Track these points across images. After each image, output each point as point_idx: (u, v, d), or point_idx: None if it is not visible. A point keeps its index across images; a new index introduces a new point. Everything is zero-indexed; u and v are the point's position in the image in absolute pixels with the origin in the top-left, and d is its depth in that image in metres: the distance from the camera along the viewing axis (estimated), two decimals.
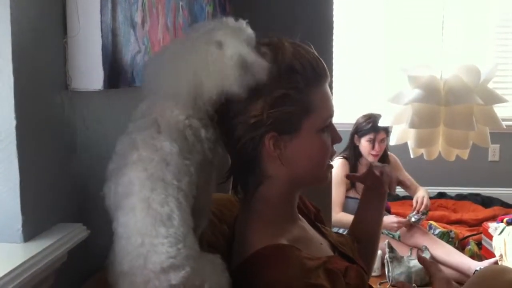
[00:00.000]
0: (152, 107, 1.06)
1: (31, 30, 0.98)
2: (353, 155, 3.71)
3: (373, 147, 3.63)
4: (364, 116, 3.71)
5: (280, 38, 1.16)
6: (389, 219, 3.58)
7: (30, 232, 0.98)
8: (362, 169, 3.68)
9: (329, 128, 1.18)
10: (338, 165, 3.67)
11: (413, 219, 3.61)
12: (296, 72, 1.10)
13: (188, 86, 1.05)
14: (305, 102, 1.12)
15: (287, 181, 1.17)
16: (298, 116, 1.12)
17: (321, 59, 1.16)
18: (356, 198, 3.70)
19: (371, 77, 4.74)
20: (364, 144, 3.66)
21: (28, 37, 0.97)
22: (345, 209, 3.64)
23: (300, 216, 1.31)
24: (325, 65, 1.16)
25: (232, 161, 1.18)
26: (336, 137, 1.21)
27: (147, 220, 0.96)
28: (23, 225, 0.96)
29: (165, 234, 0.95)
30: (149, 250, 0.95)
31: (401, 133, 2.93)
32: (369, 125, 3.54)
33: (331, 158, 1.23)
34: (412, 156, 3.03)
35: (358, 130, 3.69)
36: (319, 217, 1.43)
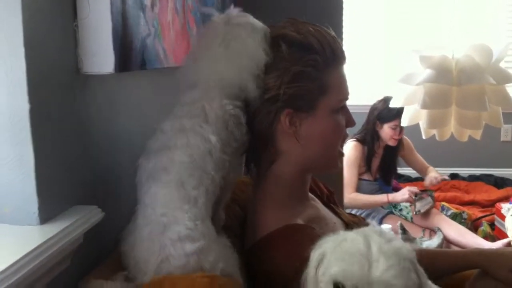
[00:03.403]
0: (201, 95, 1.12)
1: (42, 14, 0.98)
2: (370, 139, 3.68)
3: (398, 133, 3.60)
4: (382, 100, 3.65)
5: (299, 19, 1.17)
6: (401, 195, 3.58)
7: (46, 214, 0.99)
8: (378, 152, 3.67)
9: (344, 110, 1.19)
10: (350, 147, 3.66)
11: (421, 210, 3.57)
12: (315, 51, 1.12)
13: (234, 76, 1.11)
14: (322, 81, 1.13)
15: (300, 160, 1.18)
16: (314, 94, 1.13)
17: (339, 41, 1.17)
18: (370, 181, 3.71)
19: (381, 58, 4.70)
20: (386, 130, 3.62)
21: (39, 21, 0.97)
22: (358, 190, 3.64)
23: (313, 196, 1.32)
24: (343, 48, 1.17)
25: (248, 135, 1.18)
26: (350, 120, 1.22)
27: (175, 195, 1.04)
28: (39, 208, 0.97)
29: (187, 209, 1.03)
30: (170, 220, 1.02)
31: (412, 114, 2.91)
32: (394, 111, 3.46)
33: (344, 142, 1.24)
34: (424, 137, 3.02)
35: (381, 117, 3.63)
36: (332, 199, 1.44)
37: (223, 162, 1.09)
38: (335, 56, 1.15)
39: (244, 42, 1.13)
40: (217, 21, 1.18)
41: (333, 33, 1.17)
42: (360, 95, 4.23)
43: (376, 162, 3.73)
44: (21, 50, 0.93)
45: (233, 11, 1.20)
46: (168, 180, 1.05)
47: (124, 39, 1.17)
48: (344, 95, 1.19)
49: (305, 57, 1.12)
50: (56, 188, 1.02)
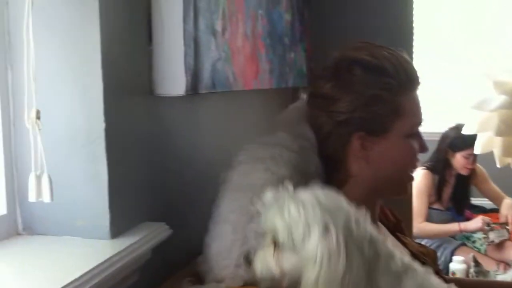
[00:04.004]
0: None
1: (119, 38, 1.04)
2: (442, 168, 3.59)
3: (471, 162, 3.50)
4: (454, 128, 3.56)
5: (372, 42, 1.18)
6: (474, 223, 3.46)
7: (117, 229, 1.03)
8: (450, 181, 3.58)
9: (417, 135, 1.18)
10: (421, 175, 3.57)
11: (495, 240, 3.43)
12: (390, 74, 1.12)
13: None
14: (397, 105, 1.13)
15: (370, 183, 1.17)
16: (388, 118, 1.13)
17: (413, 65, 1.16)
18: (441, 210, 3.61)
19: (452, 83, 4.59)
20: (459, 159, 3.53)
21: (116, 44, 1.03)
22: (428, 220, 3.54)
23: (379, 223, 1.30)
24: (418, 72, 1.17)
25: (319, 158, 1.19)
26: (423, 146, 1.20)
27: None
28: (111, 223, 1.02)
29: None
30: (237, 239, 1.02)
31: (486, 142, 2.82)
32: (467, 140, 3.36)
33: (415, 167, 1.23)
34: (498, 166, 2.91)
35: (454, 145, 3.55)
36: (399, 227, 1.41)
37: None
38: (410, 80, 1.15)
39: None
40: None
41: (407, 57, 1.17)
42: (430, 121, 4.13)
43: (447, 191, 3.63)
44: (99, 71, 0.99)
45: None
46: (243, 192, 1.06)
47: (195, 63, 1.22)
48: (418, 119, 1.18)
49: (380, 81, 1.12)
50: (127, 205, 1.07)
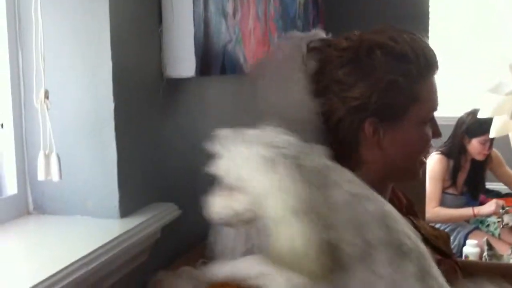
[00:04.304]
0: None
1: (128, 19, 1.04)
2: (457, 153, 3.56)
3: (487, 148, 3.48)
4: (470, 113, 3.52)
5: (392, 25, 1.16)
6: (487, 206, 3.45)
7: (126, 209, 1.04)
8: (465, 166, 3.56)
9: (431, 121, 1.17)
10: (435, 160, 3.55)
11: (510, 223, 3.41)
12: (410, 60, 1.10)
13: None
14: (414, 91, 1.11)
15: (382, 168, 1.16)
16: (403, 104, 1.11)
17: (433, 50, 1.14)
18: (455, 195, 3.59)
19: (467, 67, 4.54)
20: (475, 145, 3.50)
21: (125, 25, 1.03)
22: (442, 205, 3.53)
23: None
24: (437, 58, 1.15)
25: (329, 144, 1.18)
26: (436, 132, 1.19)
27: None
28: (120, 202, 1.03)
29: None
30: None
31: (501, 125, 2.80)
32: (484, 126, 3.32)
33: (428, 152, 1.21)
34: None
35: (470, 131, 3.52)
36: (412, 210, 1.41)
37: None
38: (429, 66, 1.13)
39: None
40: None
41: (426, 41, 1.15)
42: (446, 105, 4.09)
43: (462, 176, 3.60)
44: (108, 52, 0.99)
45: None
46: None
47: (206, 45, 1.22)
48: (434, 105, 1.16)
49: (400, 67, 1.11)
50: (136, 185, 1.08)
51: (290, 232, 0.85)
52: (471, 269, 1.33)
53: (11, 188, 1.05)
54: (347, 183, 0.92)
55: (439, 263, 1.11)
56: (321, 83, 1.15)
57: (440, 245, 1.27)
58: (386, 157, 1.14)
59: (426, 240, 1.26)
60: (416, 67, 1.11)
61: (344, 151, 1.15)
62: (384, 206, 0.95)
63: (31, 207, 1.07)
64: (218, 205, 0.91)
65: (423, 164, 1.21)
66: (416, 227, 1.31)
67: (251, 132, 0.90)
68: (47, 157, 0.94)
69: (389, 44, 1.11)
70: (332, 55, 1.13)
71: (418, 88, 1.11)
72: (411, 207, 1.40)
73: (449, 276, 1.10)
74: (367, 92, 1.09)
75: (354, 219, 0.89)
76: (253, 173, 0.86)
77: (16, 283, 0.80)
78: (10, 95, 1.03)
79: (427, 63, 1.12)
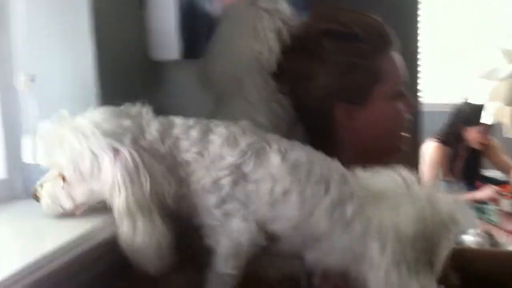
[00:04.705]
0: None
1: (111, 2, 1.04)
2: (454, 142, 3.57)
3: (486, 137, 3.48)
4: (468, 102, 3.53)
5: (341, 7, 1.15)
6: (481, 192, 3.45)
7: None
8: (462, 154, 3.56)
9: (401, 96, 1.16)
10: (433, 147, 3.56)
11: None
12: (361, 39, 1.10)
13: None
14: (373, 69, 1.10)
15: (359, 151, 1.16)
16: (366, 84, 1.11)
17: (387, 26, 1.14)
18: (452, 182, 3.60)
19: (460, 53, 4.53)
20: (473, 134, 3.50)
21: (108, 9, 1.03)
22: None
23: None
24: (391, 32, 1.14)
25: (303, 132, 1.18)
26: (410, 106, 1.18)
27: None
28: None
29: None
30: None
31: (496, 111, 2.80)
32: (482, 115, 3.32)
33: (405, 127, 1.21)
34: (509, 136, 2.89)
35: (468, 120, 3.52)
36: None
37: None
38: (383, 41, 1.13)
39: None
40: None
41: (379, 19, 1.15)
42: (439, 92, 4.10)
43: (459, 164, 3.61)
44: (91, 35, 0.99)
45: None
46: None
47: (191, 27, 1.21)
48: (399, 79, 1.16)
49: (352, 48, 1.10)
50: None
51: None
52: (471, 257, 1.32)
53: (1, 172, 1.05)
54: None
55: None
56: (280, 74, 1.13)
57: None
58: (363, 138, 1.14)
59: None
60: (369, 45, 1.10)
61: (319, 139, 1.15)
62: None
63: (20, 191, 1.07)
64: (54, 195, 0.88)
65: (402, 139, 1.20)
66: None
67: (79, 122, 0.86)
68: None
69: (336, 28, 1.11)
70: (286, 45, 1.13)
71: (377, 65, 1.10)
72: None
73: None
74: (327, 80, 1.09)
75: None
76: (94, 166, 0.83)
77: (4, 266, 0.80)
78: None
79: (381, 39, 1.12)
